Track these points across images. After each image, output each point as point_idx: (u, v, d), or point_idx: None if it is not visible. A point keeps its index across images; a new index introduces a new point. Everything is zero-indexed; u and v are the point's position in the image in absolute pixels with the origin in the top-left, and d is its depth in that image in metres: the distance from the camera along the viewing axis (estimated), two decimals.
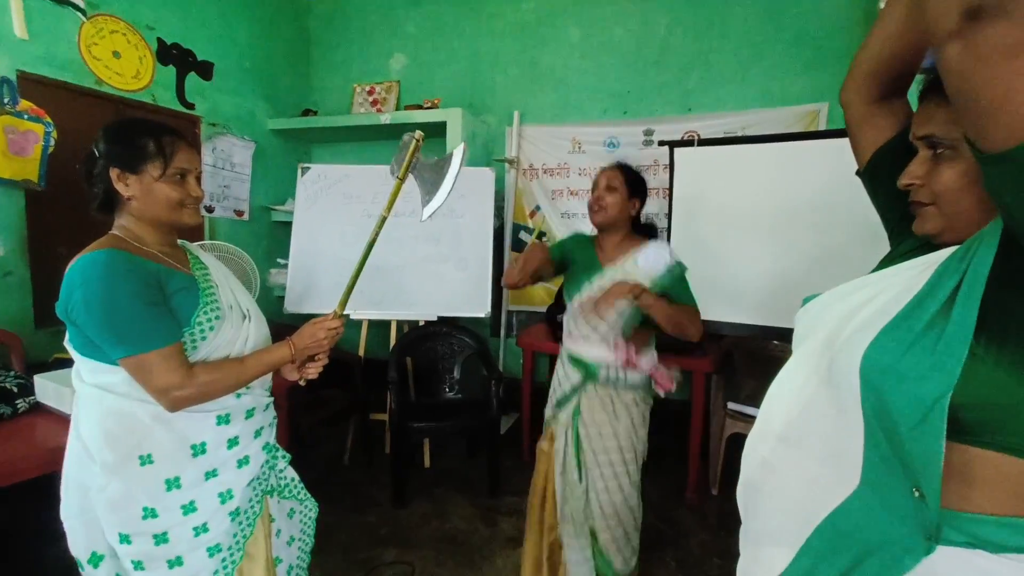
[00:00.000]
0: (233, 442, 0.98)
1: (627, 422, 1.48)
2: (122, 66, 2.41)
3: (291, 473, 1.14)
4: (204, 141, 2.85)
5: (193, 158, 0.97)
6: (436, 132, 3.05)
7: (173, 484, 0.92)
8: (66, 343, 0.92)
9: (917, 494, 0.47)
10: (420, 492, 2.42)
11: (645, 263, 1.42)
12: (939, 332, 0.48)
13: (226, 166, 3.00)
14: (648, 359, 1.49)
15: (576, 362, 1.52)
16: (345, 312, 1.09)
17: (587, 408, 1.49)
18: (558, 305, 2.85)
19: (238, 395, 0.99)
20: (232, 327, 0.98)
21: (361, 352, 2.76)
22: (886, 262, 0.68)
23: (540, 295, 3.18)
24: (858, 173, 0.76)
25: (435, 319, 2.68)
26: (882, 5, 2.36)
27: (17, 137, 2.00)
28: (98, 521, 0.92)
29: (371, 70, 3.45)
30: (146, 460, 0.90)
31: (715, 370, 2.49)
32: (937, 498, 0.47)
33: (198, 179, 0.98)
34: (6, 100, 1.99)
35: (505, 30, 3.14)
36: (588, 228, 3.27)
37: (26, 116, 2.02)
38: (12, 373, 1.47)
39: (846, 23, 2.47)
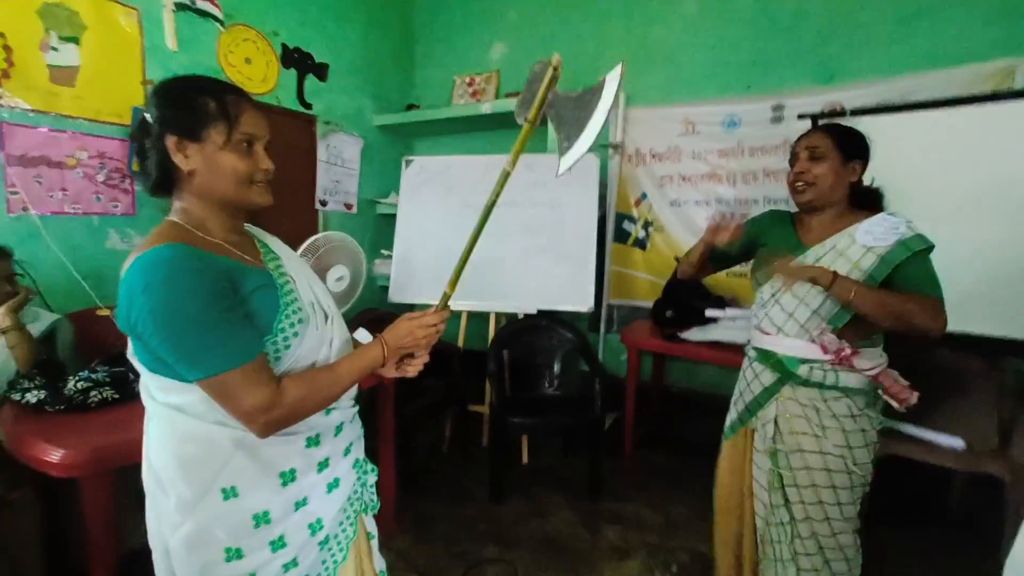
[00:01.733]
0: (324, 464, 0.86)
1: (838, 437, 1.17)
2: (252, 71, 2.61)
3: (372, 480, 1.02)
4: (319, 139, 3.02)
5: (261, 123, 0.81)
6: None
7: (262, 520, 0.79)
8: (130, 356, 0.79)
9: None
10: (517, 489, 2.36)
11: (867, 236, 1.12)
12: None
13: (337, 162, 3.17)
14: (871, 359, 1.17)
15: (766, 358, 1.25)
16: (449, 305, 0.94)
17: (783, 417, 1.22)
18: (667, 300, 2.64)
19: (327, 411, 0.86)
20: (316, 330, 0.84)
21: (460, 343, 2.77)
22: None
23: (644, 288, 2.97)
24: None
25: (534, 312, 2.60)
26: None
27: None
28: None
29: (471, 61, 3.45)
30: (230, 493, 0.77)
31: None
32: None
33: (267, 149, 0.82)
34: None
35: (611, 10, 2.96)
36: (704, 215, 2.96)
37: None
38: None
39: None
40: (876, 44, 2.32)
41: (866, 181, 1.24)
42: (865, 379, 1.16)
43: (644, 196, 2.95)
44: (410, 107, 3.49)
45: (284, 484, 0.81)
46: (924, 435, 1.88)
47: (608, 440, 2.73)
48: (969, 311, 1.83)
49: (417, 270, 2.77)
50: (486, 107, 3.02)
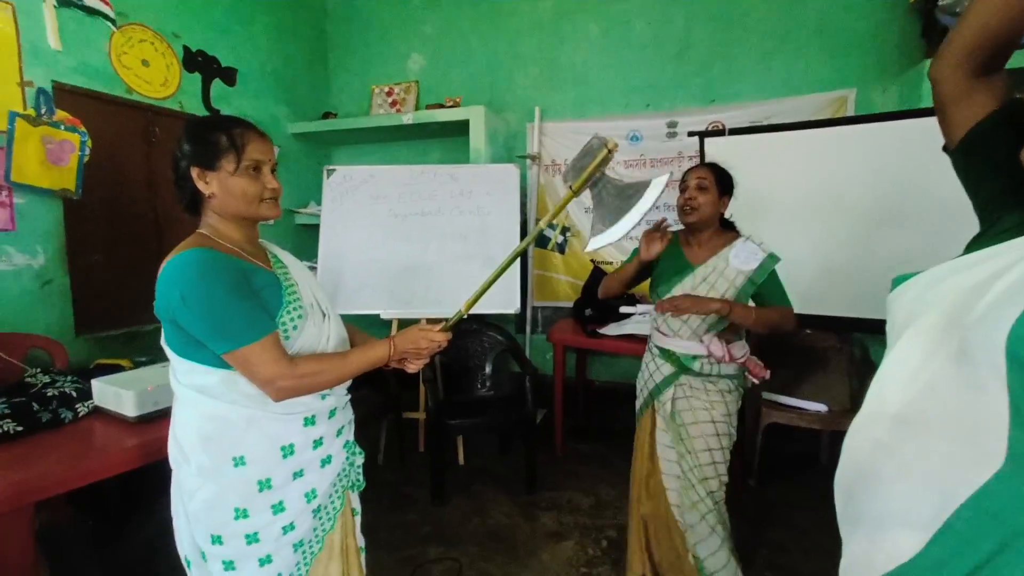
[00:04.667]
0: (318, 443, 1.00)
1: (722, 408, 1.50)
2: (151, 74, 2.43)
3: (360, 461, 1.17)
4: None
5: (266, 148, 0.96)
6: (458, 131, 3.06)
7: (265, 485, 0.94)
8: (163, 343, 0.94)
9: None
10: (457, 489, 2.42)
11: (736, 259, 1.43)
12: None
13: None
14: (740, 349, 1.49)
15: (667, 355, 1.54)
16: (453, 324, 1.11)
17: (681, 398, 1.52)
18: (585, 300, 2.86)
19: (323, 396, 1.00)
20: (315, 325, 0.99)
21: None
22: (985, 240, 0.65)
23: (565, 290, 3.18)
24: (946, 149, 0.75)
25: (465, 317, 2.69)
26: None
27: (54, 147, 2.02)
28: (195, 521, 0.95)
29: (389, 71, 3.47)
30: (239, 462, 0.92)
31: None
32: None
33: (273, 170, 0.97)
34: (43, 111, 2.01)
35: (523, 28, 3.15)
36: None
37: (62, 126, 2.05)
38: (69, 378, 1.48)
39: (871, 7, 2.46)
40: (746, 73, 2.72)
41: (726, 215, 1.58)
42: (736, 365, 1.50)
43: None
44: (327, 115, 3.43)
45: (284, 456, 0.96)
46: (796, 403, 2.25)
47: (540, 435, 2.90)
48: (820, 296, 2.23)
49: (345, 280, 2.73)
50: (407, 118, 3.06)
